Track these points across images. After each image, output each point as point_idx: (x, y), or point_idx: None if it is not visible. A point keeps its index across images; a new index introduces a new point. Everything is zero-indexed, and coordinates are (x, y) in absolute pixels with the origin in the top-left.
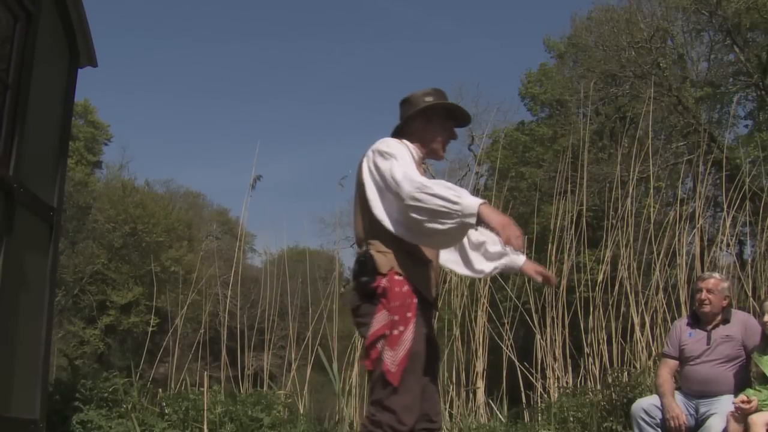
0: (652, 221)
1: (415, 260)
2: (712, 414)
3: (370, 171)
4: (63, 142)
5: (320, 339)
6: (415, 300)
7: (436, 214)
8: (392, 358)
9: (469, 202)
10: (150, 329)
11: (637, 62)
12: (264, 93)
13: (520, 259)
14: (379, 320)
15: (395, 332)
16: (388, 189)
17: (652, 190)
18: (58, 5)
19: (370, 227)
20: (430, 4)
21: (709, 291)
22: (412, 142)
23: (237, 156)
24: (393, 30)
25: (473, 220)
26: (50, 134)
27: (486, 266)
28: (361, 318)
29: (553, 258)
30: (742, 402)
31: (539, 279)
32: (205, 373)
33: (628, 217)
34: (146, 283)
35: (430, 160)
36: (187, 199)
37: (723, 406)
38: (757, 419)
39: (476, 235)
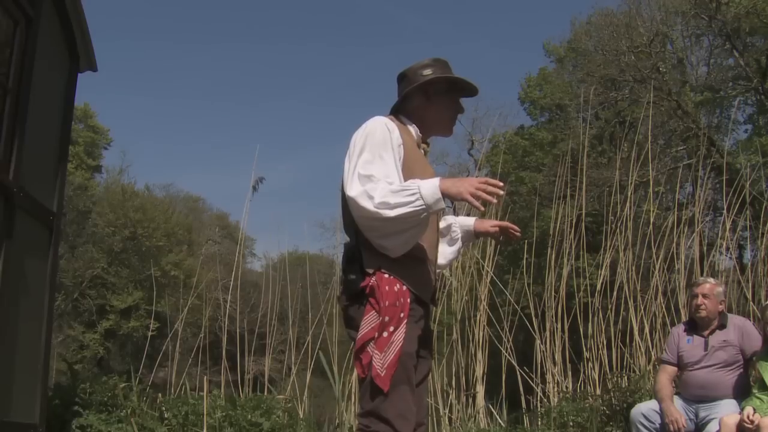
0: (651, 225)
1: (407, 257)
2: (713, 419)
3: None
4: (63, 146)
5: (320, 343)
6: (409, 299)
7: (397, 221)
8: (381, 362)
9: (429, 190)
10: (150, 333)
11: (636, 67)
12: (264, 97)
13: (469, 222)
14: (368, 322)
15: (384, 334)
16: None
17: (651, 195)
18: (57, 9)
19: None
20: (431, 8)
21: (704, 296)
22: (412, 120)
23: (237, 160)
24: (394, 34)
25: (443, 205)
26: (50, 138)
27: (449, 252)
28: (350, 320)
29: (552, 262)
30: (749, 417)
31: (496, 231)
32: (205, 377)
33: (627, 221)
34: (146, 287)
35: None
36: (186, 204)
37: (723, 410)
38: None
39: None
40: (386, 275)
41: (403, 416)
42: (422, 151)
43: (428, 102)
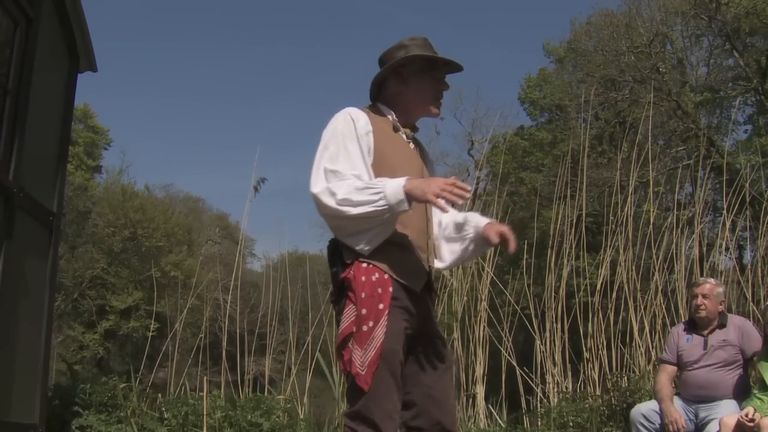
0: (651, 225)
1: (388, 243)
2: (713, 419)
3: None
4: (63, 146)
5: (320, 344)
6: (390, 289)
7: (360, 220)
8: (361, 359)
9: (393, 190)
10: (150, 334)
11: (636, 67)
12: (264, 97)
13: (481, 222)
14: (348, 316)
15: (364, 328)
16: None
17: (651, 195)
18: (58, 10)
19: None
20: (431, 9)
21: (704, 296)
22: (391, 106)
23: (237, 160)
24: (394, 34)
25: (406, 207)
26: (50, 139)
27: (454, 250)
28: (337, 314)
29: (552, 263)
30: (746, 416)
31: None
32: (205, 377)
33: (627, 221)
34: (146, 287)
35: (427, 118)
36: (186, 204)
37: (723, 410)
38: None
39: (450, 217)
40: (364, 264)
41: (390, 417)
42: (403, 135)
43: (404, 84)
